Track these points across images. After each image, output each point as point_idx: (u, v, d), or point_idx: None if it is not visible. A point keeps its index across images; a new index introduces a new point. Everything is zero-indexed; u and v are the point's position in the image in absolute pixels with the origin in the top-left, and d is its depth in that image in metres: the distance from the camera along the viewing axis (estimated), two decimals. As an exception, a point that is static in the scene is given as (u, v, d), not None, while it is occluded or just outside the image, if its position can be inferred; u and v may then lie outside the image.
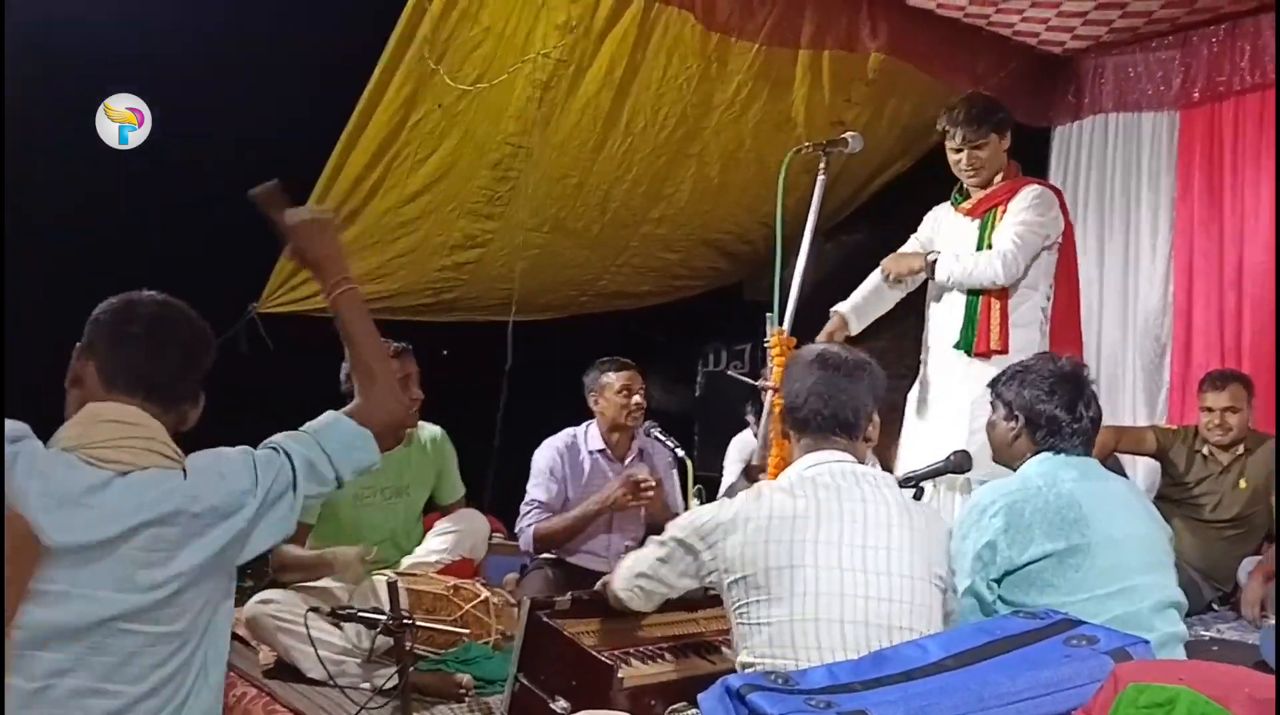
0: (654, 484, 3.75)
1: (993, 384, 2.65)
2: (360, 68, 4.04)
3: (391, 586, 2.60)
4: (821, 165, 3.33)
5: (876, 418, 2.31)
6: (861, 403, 2.27)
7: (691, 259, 5.89)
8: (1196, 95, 5.03)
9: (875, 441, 2.33)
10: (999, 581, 2.37)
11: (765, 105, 4.88)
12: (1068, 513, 2.37)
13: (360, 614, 2.64)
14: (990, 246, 3.57)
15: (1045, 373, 2.55)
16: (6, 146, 3.37)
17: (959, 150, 3.63)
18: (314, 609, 2.89)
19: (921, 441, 3.62)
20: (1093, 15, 4.89)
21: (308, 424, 2.00)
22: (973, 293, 3.57)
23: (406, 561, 3.48)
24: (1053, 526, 2.36)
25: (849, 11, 4.72)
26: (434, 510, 3.75)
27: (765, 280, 3.46)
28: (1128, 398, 5.15)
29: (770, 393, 3.18)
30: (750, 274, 6.15)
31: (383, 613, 2.59)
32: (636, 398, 3.97)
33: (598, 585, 2.66)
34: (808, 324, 3.41)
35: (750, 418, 4.95)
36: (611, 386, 3.98)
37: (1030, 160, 3.84)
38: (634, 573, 2.36)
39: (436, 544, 3.53)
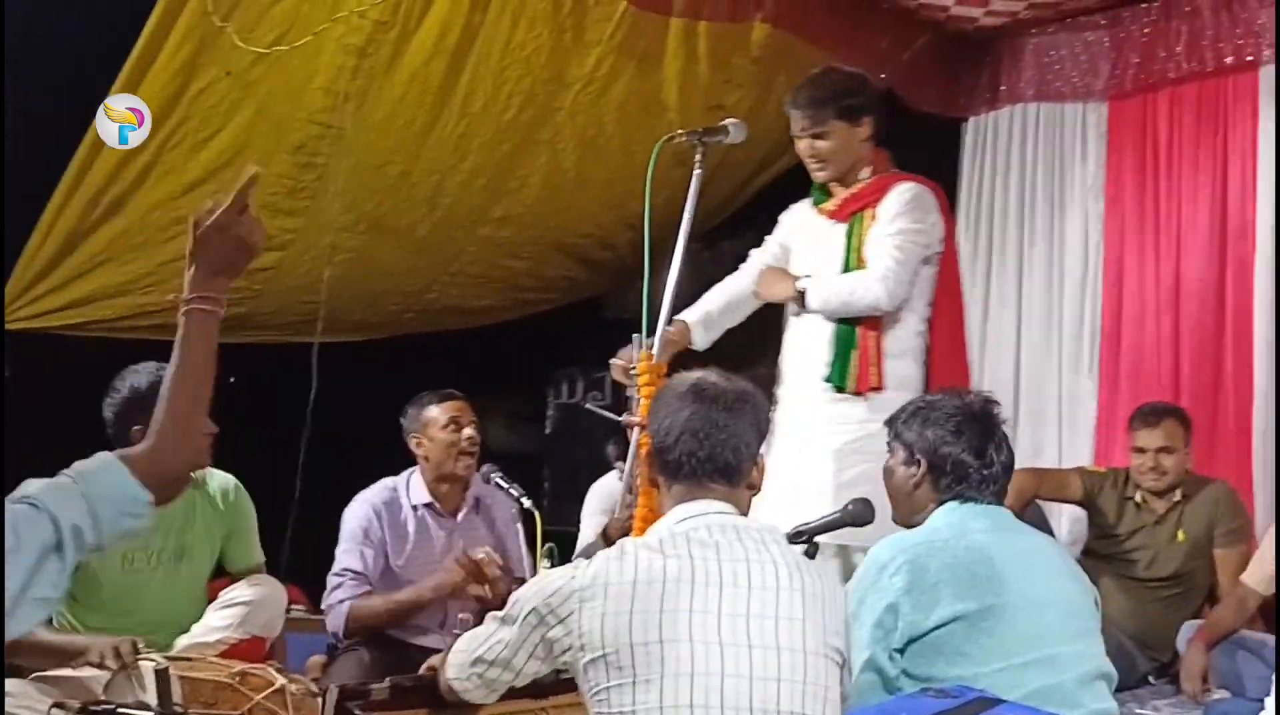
0: (500, 568, 3.72)
1: (890, 422, 2.74)
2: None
3: (161, 674, 2.55)
4: (697, 157, 3.37)
5: (763, 459, 2.34)
6: (744, 442, 2.28)
7: (541, 267, 5.92)
8: (1128, 84, 5.26)
9: (760, 488, 2.36)
10: (902, 651, 2.45)
11: (631, 83, 4.95)
12: (979, 569, 2.46)
13: (120, 710, 2.57)
14: (859, 258, 3.59)
15: (951, 410, 2.65)
16: (6, 147, 3.79)
17: (799, 138, 3.65)
18: (59, 704, 2.79)
19: (771, 494, 3.61)
20: (1008, -15, 5.11)
21: (74, 467, 1.93)
22: (845, 318, 3.59)
23: (181, 642, 3.39)
24: (962, 584, 2.44)
25: (730, -28, 4.83)
26: (223, 577, 3.68)
27: (630, 294, 3.50)
28: (1052, 435, 5.35)
29: (636, 430, 3.21)
30: (612, 286, 6.22)
31: (148, 707, 2.53)
32: (468, 431, 3.91)
33: (424, 667, 2.64)
34: (682, 347, 3.46)
35: (614, 460, 5.00)
36: (435, 422, 3.93)
37: (941, 156, 3.96)
38: (470, 658, 2.34)
39: (219, 619, 3.45)
